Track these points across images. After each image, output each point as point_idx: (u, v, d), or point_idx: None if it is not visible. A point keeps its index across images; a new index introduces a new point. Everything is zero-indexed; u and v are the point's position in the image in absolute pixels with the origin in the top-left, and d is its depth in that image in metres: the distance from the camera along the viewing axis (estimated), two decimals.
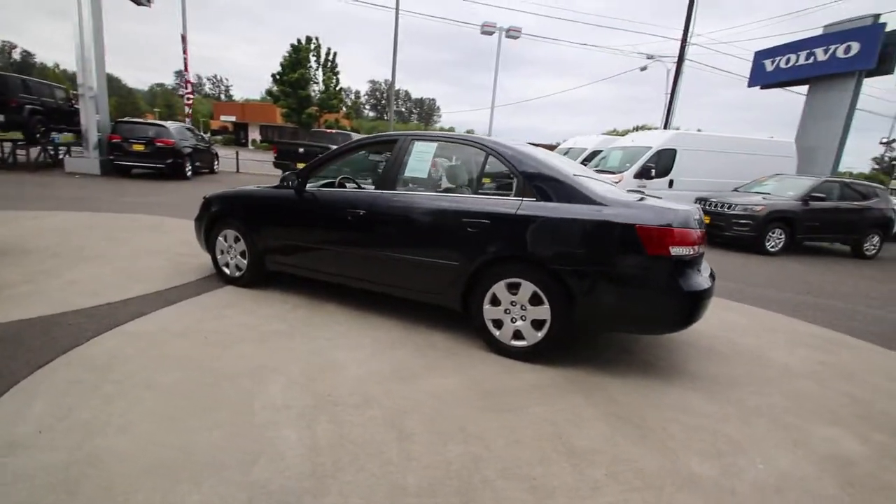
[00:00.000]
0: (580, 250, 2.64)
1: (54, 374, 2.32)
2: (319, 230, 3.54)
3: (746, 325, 4.09)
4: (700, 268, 2.79)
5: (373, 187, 4.30)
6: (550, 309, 2.72)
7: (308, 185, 3.65)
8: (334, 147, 12.81)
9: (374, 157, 5.79)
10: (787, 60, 19.52)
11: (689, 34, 19.02)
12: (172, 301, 3.50)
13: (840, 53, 18.10)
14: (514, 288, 2.83)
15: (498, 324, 2.92)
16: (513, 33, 19.27)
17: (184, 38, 16.83)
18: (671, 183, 10.20)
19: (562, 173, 2.81)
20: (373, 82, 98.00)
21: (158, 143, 11.53)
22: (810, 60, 18.90)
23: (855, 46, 17.72)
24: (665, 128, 18.85)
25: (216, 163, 15.46)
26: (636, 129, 46.56)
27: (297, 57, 31.13)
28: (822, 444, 2.24)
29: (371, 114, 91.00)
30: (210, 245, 4.11)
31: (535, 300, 2.77)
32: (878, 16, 17.49)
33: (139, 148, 11.46)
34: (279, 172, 13.54)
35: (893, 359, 3.59)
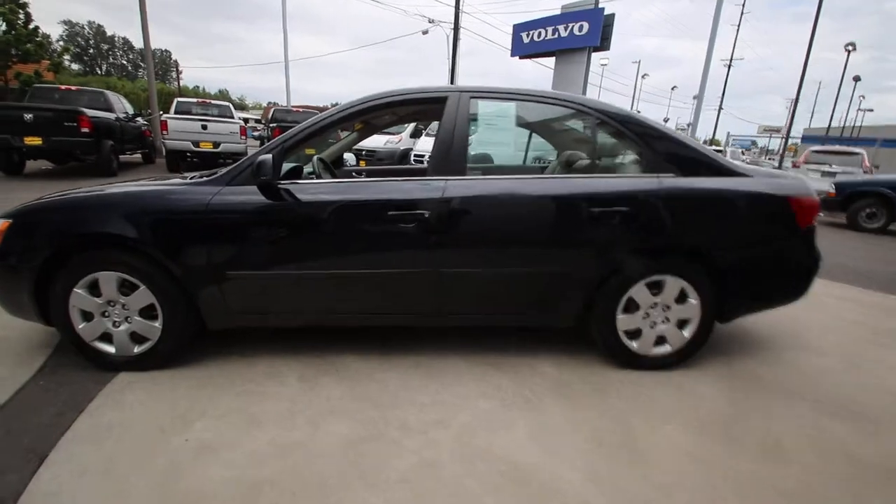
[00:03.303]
0: (735, 231, 2.27)
1: None
2: (333, 249, 2.15)
3: None
4: None
5: (335, 175, 2.97)
6: (700, 304, 2.30)
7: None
8: (86, 111, 8.95)
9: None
10: (539, 34, 22.71)
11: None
12: (64, 424, 1.64)
13: (576, 31, 21.84)
14: (655, 287, 2.29)
15: (633, 333, 2.35)
16: None
17: None
18: None
19: (691, 141, 2.33)
20: (68, 23, 73.17)
21: None
22: (556, 35, 22.31)
23: (585, 26, 21.61)
24: None
25: None
26: None
27: None
28: None
29: (75, 66, 68.44)
30: (51, 307, 2.11)
31: (680, 297, 2.31)
32: (597, 1, 21.74)
33: None
34: None
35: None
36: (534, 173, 2.60)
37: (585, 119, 2.35)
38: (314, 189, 2.16)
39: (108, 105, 10.30)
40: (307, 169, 2.94)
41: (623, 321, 2.31)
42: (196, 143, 10.42)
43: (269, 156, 1.99)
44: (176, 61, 70.01)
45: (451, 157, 2.16)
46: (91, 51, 77.42)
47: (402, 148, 11.50)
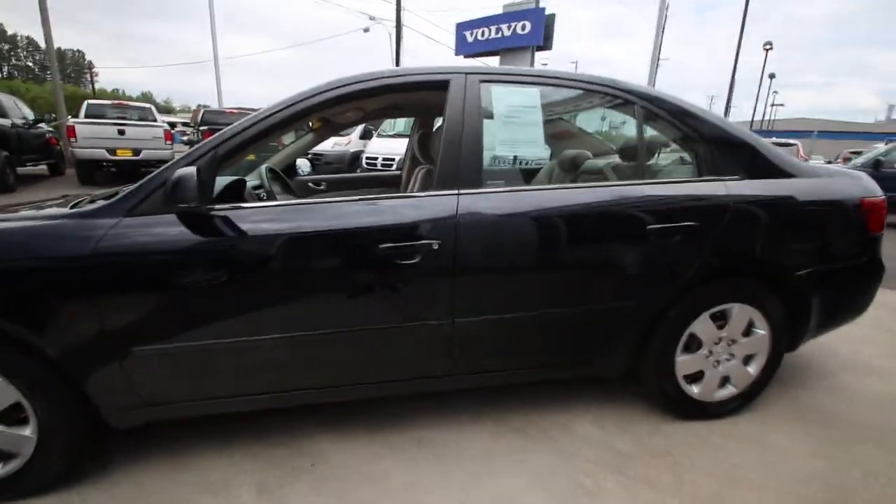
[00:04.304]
0: (809, 243, 1.84)
1: None
2: (301, 302, 1.49)
3: None
4: None
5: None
6: (771, 333, 1.86)
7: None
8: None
9: None
10: (483, 33, 22.44)
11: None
12: None
13: (519, 30, 21.80)
14: (720, 318, 1.82)
15: (694, 377, 1.87)
16: None
17: None
18: None
19: (754, 136, 1.87)
20: None
21: None
22: (499, 35, 22.15)
23: (528, 25, 21.64)
24: None
25: None
26: None
27: None
28: None
29: None
30: None
31: (748, 328, 1.86)
32: (538, 0, 21.78)
33: None
34: None
35: None
36: (570, 181, 2.06)
37: (628, 109, 1.83)
38: (266, 215, 1.48)
39: None
40: (251, 182, 2.24)
41: (683, 363, 1.82)
42: (112, 151, 9.06)
43: (192, 169, 1.29)
44: (90, 62, 63.78)
45: (462, 164, 1.56)
46: None
47: (351, 150, 10.70)
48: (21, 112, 9.69)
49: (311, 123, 2.52)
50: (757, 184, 1.77)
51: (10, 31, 68.82)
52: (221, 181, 1.66)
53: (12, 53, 70.31)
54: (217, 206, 1.43)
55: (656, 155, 2.02)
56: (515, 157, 2.35)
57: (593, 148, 2.53)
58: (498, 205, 1.57)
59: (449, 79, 1.64)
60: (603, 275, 1.68)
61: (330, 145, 10.16)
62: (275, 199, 1.82)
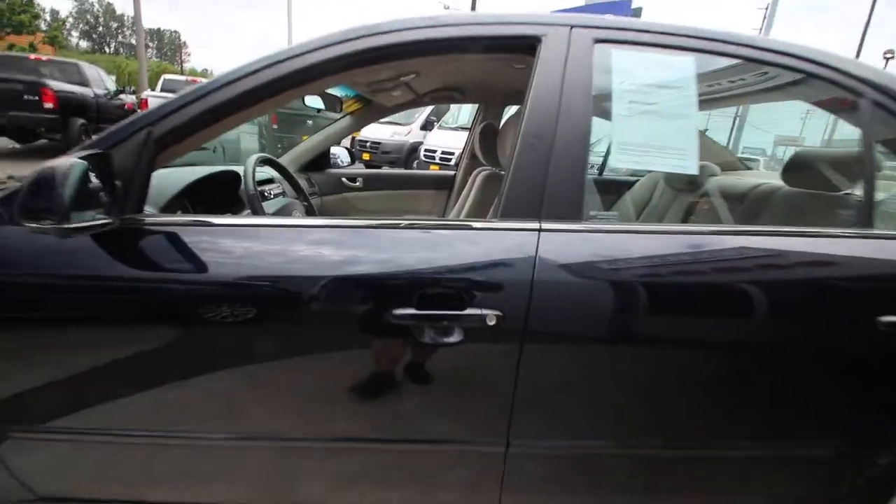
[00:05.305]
0: None
1: None
2: (250, 384, 0.92)
3: None
4: None
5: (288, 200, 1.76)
6: None
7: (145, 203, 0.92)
8: (49, 84, 7.68)
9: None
10: None
11: None
12: None
13: None
14: None
15: None
16: None
17: None
18: None
19: None
20: (79, 0, 72.20)
21: None
22: None
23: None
24: None
25: None
26: None
27: None
28: None
29: (83, 43, 67.64)
30: None
31: None
32: None
33: None
34: None
35: None
36: (684, 208, 1.35)
37: (841, 103, 1.08)
38: (214, 239, 0.91)
39: (82, 79, 9.11)
40: (260, 173, 1.70)
41: None
42: None
43: (69, 162, 0.73)
44: (184, 42, 68.65)
45: (550, 178, 0.91)
46: (100, 29, 76.12)
47: (410, 142, 10.20)
48: (104, 84, 10.11)
49: (342, 104, 1.95)
50: None
51: (119, 11, 75.49)
52: (182, 176, 1.13)
53: (119, 31, 77.08)
54: (145, 218, 0.89)
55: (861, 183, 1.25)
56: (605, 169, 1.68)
57: (713, 157, 1.80)
58: (610, 253, 0.90)
59: (541, 34, 0.98)
60: (780, 389, 0.97)
61: (389, 134, 9.74)
62: (259, 207, 1.27)
